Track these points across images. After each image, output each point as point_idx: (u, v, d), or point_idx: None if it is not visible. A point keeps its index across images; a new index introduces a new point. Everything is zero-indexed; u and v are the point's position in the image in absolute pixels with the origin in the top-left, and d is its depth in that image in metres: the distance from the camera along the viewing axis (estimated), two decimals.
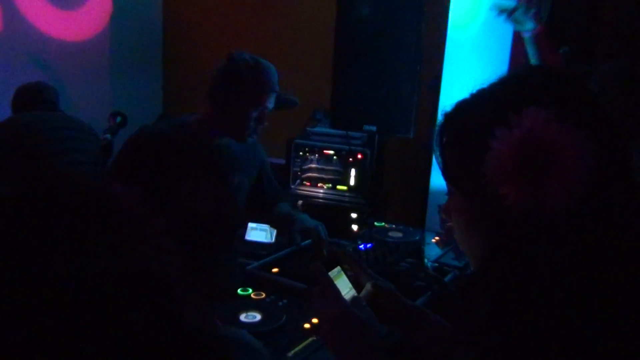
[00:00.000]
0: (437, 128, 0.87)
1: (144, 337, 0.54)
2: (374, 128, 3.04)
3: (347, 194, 3.08)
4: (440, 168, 0.88)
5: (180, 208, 1.98)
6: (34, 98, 2.90)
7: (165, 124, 2.15)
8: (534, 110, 0.71)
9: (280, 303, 1.83)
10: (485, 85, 0.85)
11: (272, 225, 2.97)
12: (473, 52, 2.79)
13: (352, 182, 3.07)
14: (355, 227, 2.93)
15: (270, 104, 2.09)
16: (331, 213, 3.02)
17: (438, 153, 0.87)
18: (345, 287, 1.11)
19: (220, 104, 2.05)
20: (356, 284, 1.16)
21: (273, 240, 3.14)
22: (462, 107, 0.85)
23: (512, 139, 0.71)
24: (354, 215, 3.02)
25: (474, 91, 0.84)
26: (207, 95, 2.07)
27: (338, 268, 1.13)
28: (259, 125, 2.10)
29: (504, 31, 2.67)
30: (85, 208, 0.56)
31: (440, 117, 0.87)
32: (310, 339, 1.63)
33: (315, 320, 1.72)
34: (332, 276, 1.08)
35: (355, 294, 1.13)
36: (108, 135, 1.97)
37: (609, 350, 0.67)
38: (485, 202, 0.77)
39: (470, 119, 0.82)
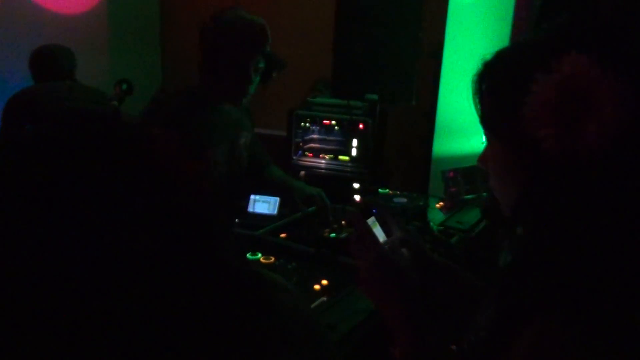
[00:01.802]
0: (475, 77, 0.88)
1: (190, 273, 0.55)
2: (375, 97, 3.03)
3: (349, 164, 3.08)
4: (478, 115, 0.89)
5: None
6: (47, 66, 3.02)
7: (171, 94, 2.15)
8: (574, 55, 0.72)
9: (289, 266, 1.85)
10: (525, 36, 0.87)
11: (273, 192, 2.96)
12: (474, 18, 2.78)
13: (354, 152, 3.07)
14: (357, 197, 2.95)
15: (259, 62, 2.05)
16: (334, 183, 3.03)
17: (477, 100, 0.88)
18: (380, 237, 1.12)
19: (205, 68, 2.04)
20: (389, 234, 1.17)
21: (276, 211, 3.15)
22: (503, 54, 0.87)
23: (552, 83, 0.73)
24: (356, 186, 3.03)
25: (515, 41, 0.86)
26: (201, 60, 2.05)
27: (372, 218, 1.15)
28: (248, 86, 2.07)
29: None
30: (126, 147, 0.57)
31: (479, 65, 0.88)
32: (320, 300, 1.66)
33: (324, 282, 1.75)
34: (369, 224, 1.10)
35: (388, 240, 1.16)
36: (115, 102, 1.97)
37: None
38: (523, 147, 0.79)
39: (511, 64, 0.84)
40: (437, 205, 2.43)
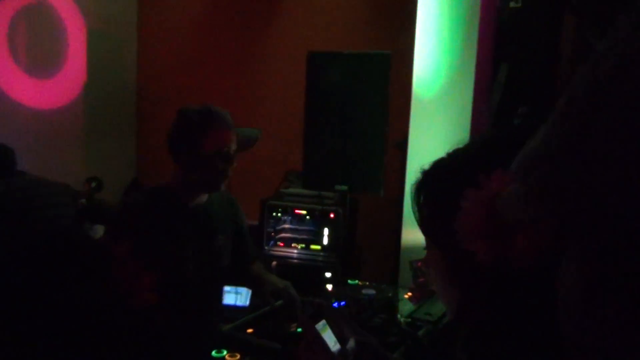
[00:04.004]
0: (414, 185, 0.91)
1: None
2: (345, 187, 3.10)
3: (320, 254, 3.11)
4: (417, 223, 0.91)
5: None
6: None
7: (141, 194, 2.15)
8: (501, 172, 0.75)
9: None
10: (461, 145, 0.90)
11: (248, 285, 2.93)
12: (437, 111, 2.91)
13: (325, 241, 3.10)
14: (329, 287, 2.94)
15: (233, 143, 2.05)
16: (305, 273, 3.03)
17: (416, 208, 0.91)
18: (330, 341, 1.12)
19: (182, 158, 2.03)
20: (341, 337, 1.17)
21: (248, 303, 3.12)
22: (438, 166, 0.90)
23: (480, 200, 0.76)
24: (328, 275, 3.04)
25: (451, 150, 0.91)
26: (170, 155, 2.05)
27: (323, 321, 1.15)
28: (229, 167, 2.05)
29: (466, 90, 2.81)
30: (79, 258, 0.60)
31: (419, 174, 0.91)
32: None
33: None
34: (318, 329, 1.10)
35: (340, 348, 1.15)
36: (84, 201, 1.98)
37: None
38: (459, 256, 0.81)
39: (444, 178, 0.88)
40: (406, 296, 2.43)
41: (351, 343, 1.14)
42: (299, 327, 1.07)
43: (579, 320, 0.44)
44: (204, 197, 2.12)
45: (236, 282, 2.95)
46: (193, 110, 2.04)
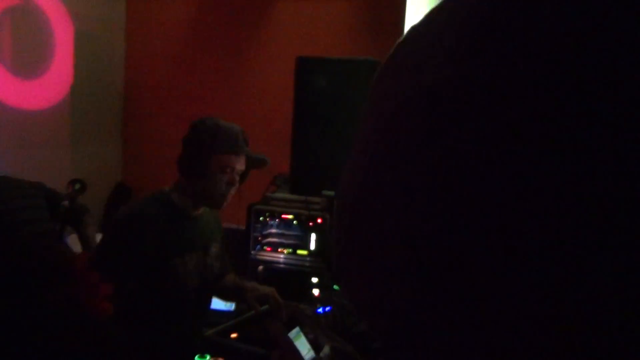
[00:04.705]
0: None
1: None
2: (332, 193, 3.10)
3: (307, 259, 3.09)
4: None
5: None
6: None
7: (143, 200, 2.15)
8: None
9: None
10: None
11: (219, 297, 2.82)
12: None
13: (312, 246, 3.09)
14: (316, 292, 2.93)
15: (240, 165, 2.11)
16: (292, 278, 3.02)
17: None
18: (304, 348, 1.12)
19: (188, 172, 2.07)
20: (315, 344, 1.16)
21: (233, 308, 3.10)
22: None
23: None
24: (315, 280, 3.03)
25: None
26: (177, 166, 2.10)
27: (297, 329, 1.14)
28: (231, 188, 2.10)
29: None
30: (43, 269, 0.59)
31: None
32: None
33: None
34: (291, 337, 1.09)
35: (314, 355, 1.14)
36: (66, 202, 1.96)
37: None
38: None
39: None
40: None
41: (325, 350, 1.13)
42: (272, 334, 1.06)
43: None
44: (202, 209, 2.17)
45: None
46: (204, 127, 2.06)
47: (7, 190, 2.74)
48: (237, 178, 2.12)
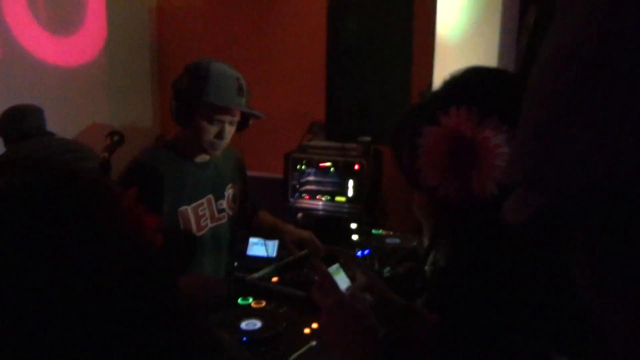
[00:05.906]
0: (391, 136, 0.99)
1: (137, 328, 0.57)
2: (368, 138, 3.07)
3: (345, 205, 3.10)
4: (396, 165, 0.99)
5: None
6: (15, 127, 2.83)
7: (150, 149, 2.15)
8: (456, 109, 0.79)
9: (280, 310, 1.85)
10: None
11: (256, 234, 2.87)
12: (462, 56, 2.83)
13: (350, 193, 3.09)
14: (355, 237, 2.95)
15: (231, 116, 1.99)
16: (331, 224, 3.04)
17: (397, 154, 0.98)
18: (343, 283, 1.13)
19: (176, 120, 2.01)
20: (354, 280, 1.18)
21: (275, 254, 3.15)
22: (411, 108, 0.99)
23: (437, 137, 0.80)
24: (353, 226, 3.04)
25: (425, 94, 0.96)
26: (176, 112, 2.01)
27: (337, 265, 1.16)
28: (222, 140, 2.02)
29: (491, 32, 2.72)
30: (95, 198, 0.60)
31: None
32: (309, 344, 1.65)
33: (314, 325, 1.75)
34: (331, 272, 1.12)
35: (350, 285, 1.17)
36: (106, 154, 2.00)
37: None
38: (426, 193, 0.89)
39: (411, 119, 0.94)
40: None
41: (360, 281, 1.15)
42: (310, 269, 1.09)
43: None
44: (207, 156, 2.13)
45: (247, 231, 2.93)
46: (193, 74, 1.94)
47: (59, 146, 2.82)
48: (231, 129, 2.02)
